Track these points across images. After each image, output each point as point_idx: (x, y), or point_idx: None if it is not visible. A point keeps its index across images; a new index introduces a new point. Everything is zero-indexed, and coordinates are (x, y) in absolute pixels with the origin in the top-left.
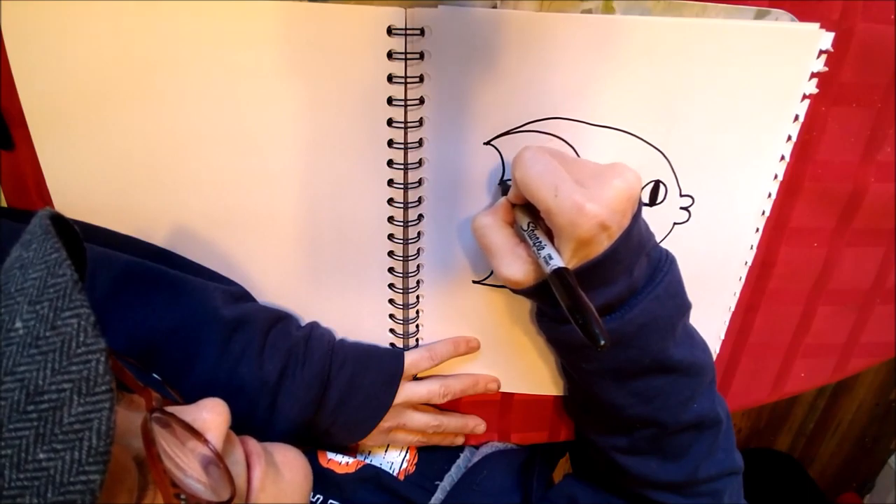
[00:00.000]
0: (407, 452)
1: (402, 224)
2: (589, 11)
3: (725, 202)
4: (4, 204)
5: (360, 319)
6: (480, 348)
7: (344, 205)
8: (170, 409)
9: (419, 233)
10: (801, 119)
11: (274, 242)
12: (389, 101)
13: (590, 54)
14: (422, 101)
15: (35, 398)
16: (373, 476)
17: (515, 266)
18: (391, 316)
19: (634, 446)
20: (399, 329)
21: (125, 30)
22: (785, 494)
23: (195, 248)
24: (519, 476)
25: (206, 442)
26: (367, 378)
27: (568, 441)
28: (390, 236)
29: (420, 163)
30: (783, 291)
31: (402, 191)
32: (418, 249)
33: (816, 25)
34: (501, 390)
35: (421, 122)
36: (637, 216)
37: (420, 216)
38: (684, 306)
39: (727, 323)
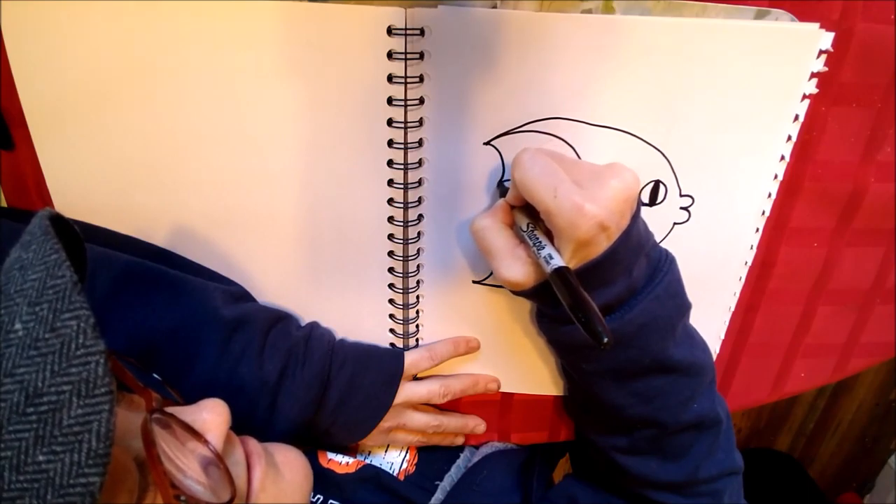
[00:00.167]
0: (407, 453)
1: (402, 224)
2: (589, 11)
3: (725, 202)
4: (4, 204)
5: (360, 319)
6: (480, 348)
7: (344, 205)
8: (170, 409)
9: (419, 233)
10: (801, 119)
11: (274, 242)
12: (389, 101)
13: (590, 54)
14: (422, 101)
15: (34, 400)
16: (373, 476)
17: (515, 267)
18: (391, 316)
19: (634, 446)
20: (399, 329)
21: (125, 30)
22: (785, 494)
23: (195, 248)
24: (519, 476)
25: (206, 443)
26: (367, 378)
27: (568, 441)
28: (390, 236)
29: (420, 163)
30: (783, 291)
31: (402, 191)
32: (418, 249)
33: (816, 25)
34: (501, 390)
35: (421, 122)
36: (636, 216)
37: (420, 216)
38: (684, 306)
39: (727, 323)
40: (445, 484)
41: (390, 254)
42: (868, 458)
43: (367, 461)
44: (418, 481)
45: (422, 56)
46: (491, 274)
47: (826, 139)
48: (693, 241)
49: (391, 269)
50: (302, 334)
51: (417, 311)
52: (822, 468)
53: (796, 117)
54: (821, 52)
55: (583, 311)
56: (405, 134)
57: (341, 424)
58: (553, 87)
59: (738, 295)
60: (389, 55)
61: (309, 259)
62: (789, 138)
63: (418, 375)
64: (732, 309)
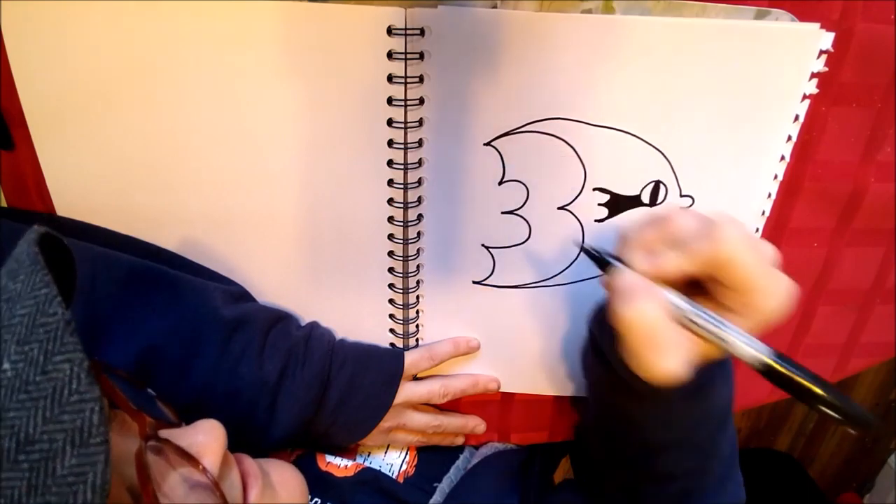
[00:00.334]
0: (406, 454)
1: (402, 224)
2: (589, 11)
3: (725, 202)
4: (4, 204)
5: (360, 319)
6: (480, 348)
7: (344, 205)
8: (164, 433)
9: (419, 233)
10: (802, 119)
11: (274, 242)
12: (389, 101)
13: (590, 54)
14: (422, 101)
15: (26, 447)
16: (371, 479)
17: (677, 356)
18: (391, 316)
19: (659, 493)
20: (399, 329)
21: (125, 30)
22: (785, 494)
23: (195, 248)
24: (517, 477)
25: (203, 469)
26: (368, 378)
27: (568, 441)
28: (390, 236)
29: (420, 163)
30: None
31: (402, 191)
32: (418, 249)
33: (817, 25)
34: (501, 390)
35: (421, 122)
36: None
37: (420, 216)
38: None
39: None
40: (444, 485)
41: (390, 254)
42: (868, 458)
43: (367, 463)
44: (417, 483)
45: (422, 56)
46: (491, 274)
47: (826, 139)
48: None
49: (391, 269)
50: (302, 334)
51: (417, 311)
52: (822, 468)
53: (796, 117)
54: (821, 52)
55: (838, 397)
56: (405, 134)
57: (341, 424)
58: (553, 87)
59: None
60: (389, 55)
61: (309, 259)
62: (789, 138)
63: (418, 375)
64: None
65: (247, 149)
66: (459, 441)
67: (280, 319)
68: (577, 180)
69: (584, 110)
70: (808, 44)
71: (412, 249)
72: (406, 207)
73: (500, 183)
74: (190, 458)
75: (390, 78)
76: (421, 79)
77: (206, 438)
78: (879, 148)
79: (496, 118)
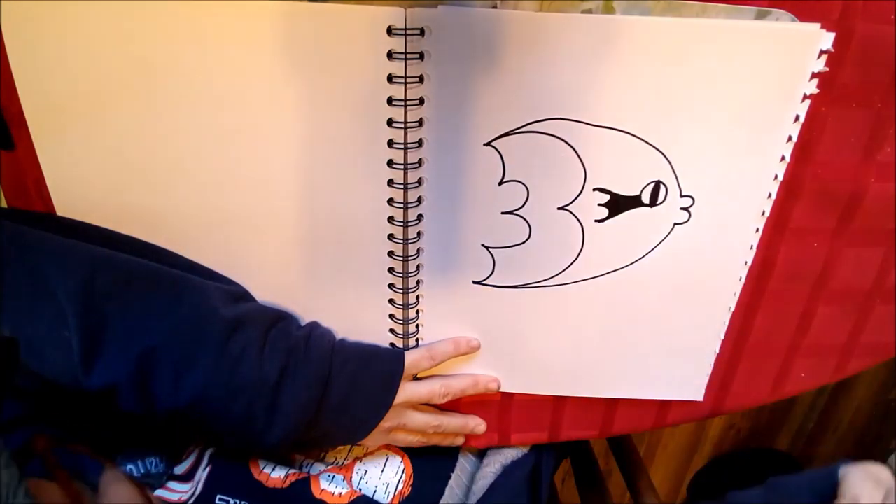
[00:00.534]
0: (403, 473)
1: (402, 224)
2: (589, 11)
3: (726, 202)
4: (4, 204)
5: (360, 319)
6: (480, 348)
7: (344, 205)
8: None
9: (419, 233)
10: (802, 119)
11: (274, 242)
12: (389, 101)
13: (590, 54)
14: (422, 101)
15: None
16: None
17: None
18: (391, 316)
19: None
20: (399, 329)
21: (125, 30)
22: None
23: (195, 248)
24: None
25: None
26: (368, 378)
27: (569, 441)
28: (390, 236)
29: (420, 163)
30: (783, 291)
31: (402, 191)
32: (418, 249)
33: (817, 26)
34: (501, 390)
35: (421, 122)
36: None
37: (420, 216)
38: None
39: (727, 323)
40: None
41: (390, 254)
42: (868, 458)
43: (363, 483)
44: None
45: (422, 56)
46: (491, 274)
47: (826, 139)
48: (693, 242)
49: (391, 269)
50: (302, 334)
51: (417, 311)
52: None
53: (797, 117)
54: (821, 52)
55: None
56: (405, 134)
57: (342, 424)
58: (553, 87)
59: (738, 295)
60: (389, 55)
61: (309, 259)
62: (790, 138)
63: (418, 375)
64: (732, 309)
65: (247, 149)
66: (459, 441)
67: (280, 319)
68: (577, 180)
69: (584, 110)
70: (809, 44)
71: (412, 249)
72: (406, 207)
73: (500, 183)
74: None
75: (390, 78)
76: (421, 79)
77: None
78: (879, 148)
79: (496, 118)
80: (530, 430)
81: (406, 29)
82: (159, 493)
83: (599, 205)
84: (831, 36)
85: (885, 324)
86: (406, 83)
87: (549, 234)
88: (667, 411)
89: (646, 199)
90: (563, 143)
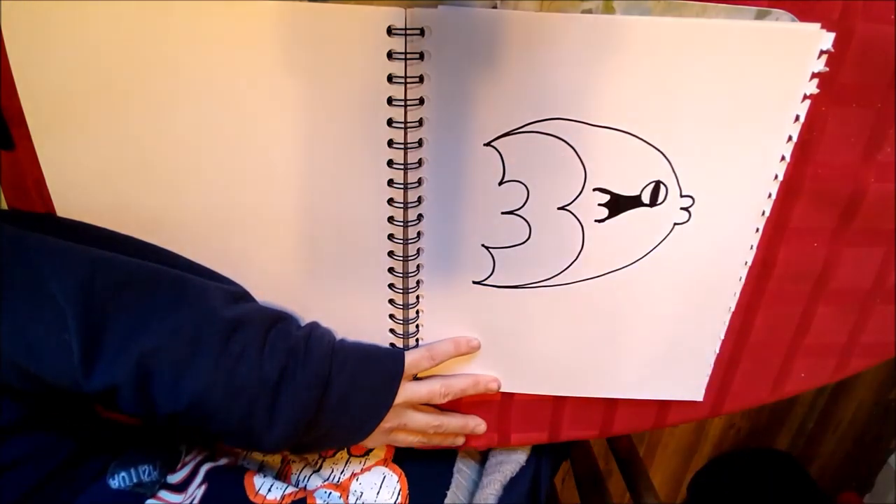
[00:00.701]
0: (399, 494)
1: (402, 224)
2: (589, 11)
3: (726, 202)
4: (4, 205)
5: (360, 319)
6: (480, 348)
7: (344, 205)
8: None
9: (419, 233)
10: (802, 119)
11: (274, 242)
12: (389, 101)
13: (590, 54)
14: (422, 101)
15: None
16: None
17: None
18: (391, 316)
19: None
20: (399, 329)
21: (125, 30)
22: (785, 494)
23: (195, 248)
24: None
25: None
26: (368, 378)
27: (569, 441)
28: (390, 236)
29: (420, 163)
30: (783, 291)
31: (402, 191)
32: (418, 249)
33: (817, 26)
34: (501, 390)
35: (421, 122)
36: None
37: (420, 216)
38: None
39: (727, 323)
40: None
41: (390, 254)
42: (868, 458)
43: None
44: None
45: (422, 56)
46: (491, 274)
47: (826, 139)
48: (693, 242)
49: (391, 269)
50: (302, 334)
51: (417, 311)
52: (821, 467)
53: (797, 117)
54: (821, 52)
55: None
56: (405, 134)
57: (342, 425)
58: (553, 87)
59: (738, 295)
60: (389, 55)
61: (309, 259)
62: (790, 138)
63: (419, 375)
64: (732, 309)
65: (247, 149)
66: (460, 441)
67: (280, 320)
68: (578, 180)
69: (584, 110)
70: (809, 44)
71: (412, 249)
72: (406, 207)
73: (500, 183)
74: None
75: (390, 78)
76: (421, 79)
77: None
78: (879, 148)
79: (496, 118)
80: (530, 430)
81: (406, 29)
82: (150, 502)
83: (599, 205)
84: (831, 36)
85: (885, 324)
86: (406, 83)
87: (549, 234)
88: (667, 411)
89: (646, 199)
90: (563, 143)
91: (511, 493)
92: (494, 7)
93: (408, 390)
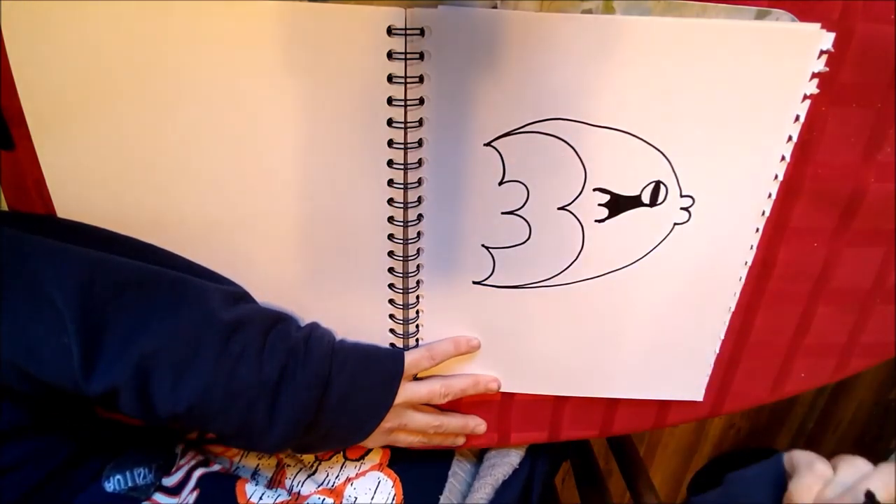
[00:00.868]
0: (393, 498)
1: (402, 224)
2: (589, 11)
3: (726, 202)
4: (5, 205)
5: (360, 319)
6: (480, 348)
7: (344, 205)
8: None
9: (419, 233)
10: (802, 119)
11: (273, 243)
12: (389, 101)
13: (590, 54)
14: (422, 101)
15: None
16: None
17: None
18: (391, 316)
19: None
20: (399, 329)
21: (125, 30)
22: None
23: (195, 249)
24: None
25: None
26: (368, 378)
27: (569, 441)
28: (390, 236)
29: (420, 163)
30: (783, 291)
31: (402, 191)
32: (418, 249)
33: (818, 26)
34: (501, 390)
35: (421, 122)
36: None
37: (420, 216)
38: None
39: (727, 323)
40: None
41: (390, 254)
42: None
43: None
44: None
45: (422, 56)
46: (491, 274)
47: (826, 139)
48: (693, 242)
49: (391, 269)
50: (302, 335)
51: (417, 311)
52: None
53: (797, 117)
54: (821, 52)
55: None
56: (405, 134)
57: (342, 425)
58: (553, 87)
59: (738, 295)
60: (389, 55)
61: (309, 259)
62: (790, 138)
63: (419, 375)
64: (732, 309)
65: (247, 149)
66: (460, 442)
67: (280, 320)
68: (578, 180)
69: (584, 110)
70: (809, 44)
71: (412, 249)
72: (406, 207)
73: (500, 183)
74: None
75: (390, 78)
76: (421, 79)
77: None
78: (879, 148)
79: (496, 118)
80: (530, 429)
81: (406, 29)
82: None
83: (599, 205)
84: (831, 36)
85: (885, 324)
86: (406, 83)
87: (550, 234)
88: (667, 411)
89: (646, 199)
90: (563, 143)
91: (503, 496)
92: (494, 7)
93: (408, 390)
